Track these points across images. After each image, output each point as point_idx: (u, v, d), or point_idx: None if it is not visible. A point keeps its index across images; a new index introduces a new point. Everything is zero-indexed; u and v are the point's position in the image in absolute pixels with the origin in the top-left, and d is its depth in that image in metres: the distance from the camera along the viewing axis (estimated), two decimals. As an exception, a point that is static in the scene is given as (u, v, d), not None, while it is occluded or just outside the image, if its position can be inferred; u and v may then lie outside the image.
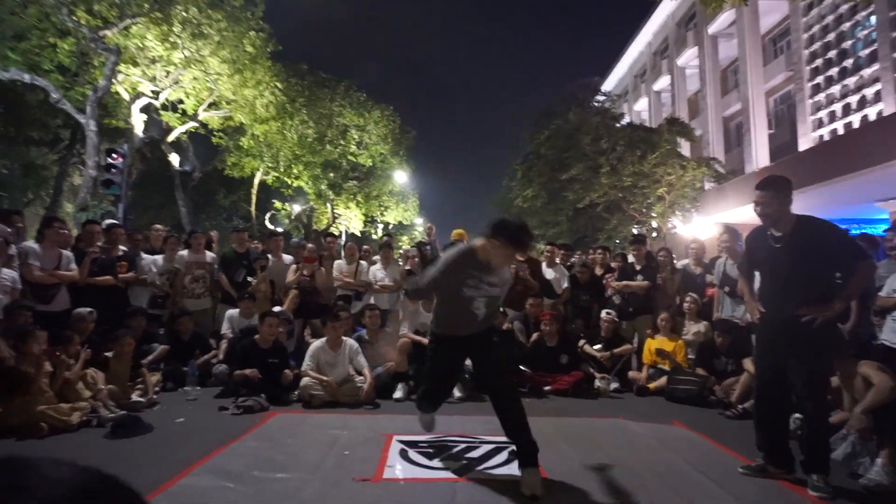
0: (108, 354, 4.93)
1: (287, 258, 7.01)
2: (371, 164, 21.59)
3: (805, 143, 16.79)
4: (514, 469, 3.35)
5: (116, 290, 5.96)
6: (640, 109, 29.92)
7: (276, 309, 5.96)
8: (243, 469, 3.27)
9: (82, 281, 5.58)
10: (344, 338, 5.45)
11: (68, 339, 4.63)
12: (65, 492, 0.40)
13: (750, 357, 5.10)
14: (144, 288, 6.33)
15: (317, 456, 3.54)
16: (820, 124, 17.02)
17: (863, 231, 6.61)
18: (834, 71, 16.43)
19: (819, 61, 16.87)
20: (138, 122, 14.04)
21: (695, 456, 3.65)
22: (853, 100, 15.86)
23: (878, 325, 4.82)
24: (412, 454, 3.62)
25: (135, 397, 4.84)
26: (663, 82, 26.32)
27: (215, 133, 17.17)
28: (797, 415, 3.61)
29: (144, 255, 6.51)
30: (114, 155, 11.31)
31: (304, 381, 5.05)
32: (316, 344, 5.36)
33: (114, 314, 5.66)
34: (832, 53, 16.44)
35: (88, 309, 5.27)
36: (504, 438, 3.83)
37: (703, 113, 21.75)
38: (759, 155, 18.35)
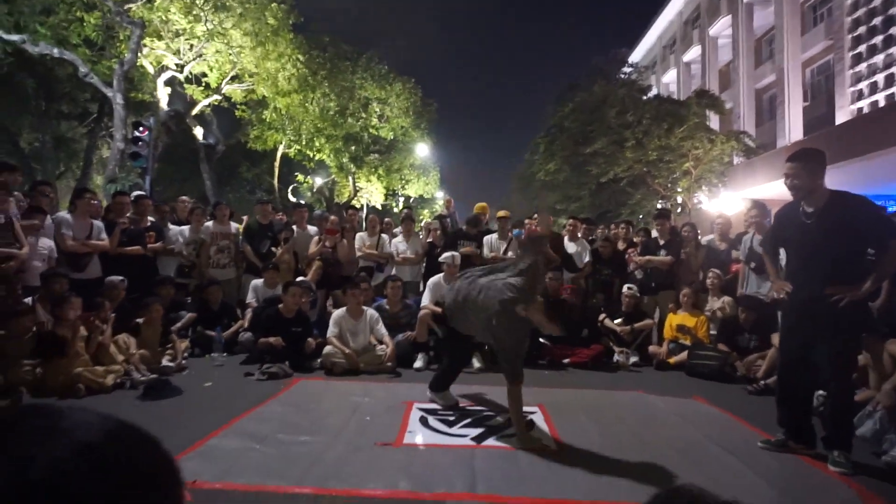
0: (139, 321, 5.10)
1: (312, 229, 7.09)
2: (392, 137, 21.49)
3: (842, 115, 16.10)
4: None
5: (145, 259, 6.13)
6: (669, 81, 28.99)
7: (299, 279, 6.07)
8: (269, 432, 3.38)
9: (113, 250, 5.75)
10: (364, 307, 5.53)
11: (101, 305, 4.80)
12: (95, 434, 0.43)
13: (777, 333, 5.02)
14: (172, 258, 6.50)
15: (339, 421, 3.64)
16: (860, 96, 16.26)
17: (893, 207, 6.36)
18: (878, 39, 15.60)
19: (862, 29, 16.02)
20: (163, 95, 14.19)
21: (715, 430, 3.65)
22: (896, 70, 15.09)
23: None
24: (432, 421, 3.70)
25: (165, 362, 5.02)
26: (693, 53, 25.38)
27: (238, 106, 17.25)
28: (821, 392, 3.56)
29: (171, 226, 6.66)
30: (140, 128, 11.46)
31: (327, 349, 5.16)
32: (338, 312, 5.46)
33: (143, 283, 5.84)
34: (877, 20, 15.58)
35: (120, 277, 5.44)
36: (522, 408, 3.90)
37: (734, 85, 20.98)
38: (793, 128, 17.70)
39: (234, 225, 6.98)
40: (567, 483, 2.70)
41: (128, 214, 6.11)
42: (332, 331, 5.29)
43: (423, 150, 23.74)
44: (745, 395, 4.68)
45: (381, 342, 5.38)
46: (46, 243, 5.16)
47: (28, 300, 4.69)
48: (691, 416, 3.96)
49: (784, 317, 3.57)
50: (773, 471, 2.93)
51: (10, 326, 4.24)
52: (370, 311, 5.54)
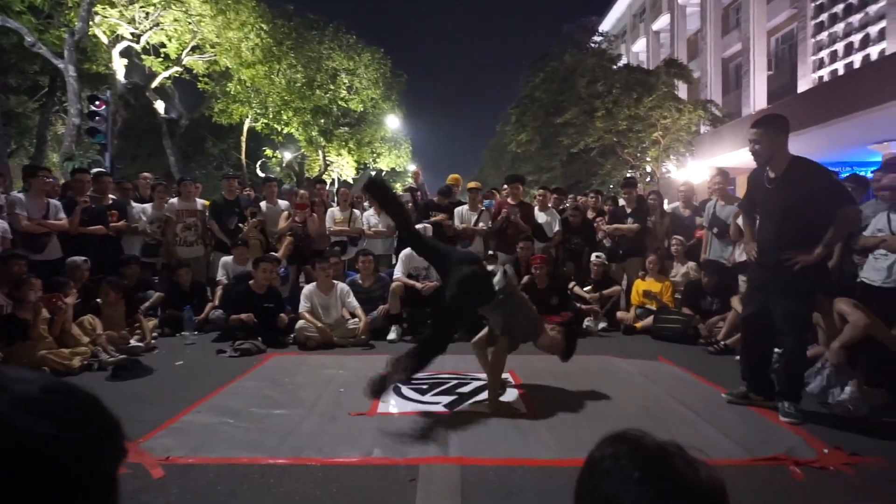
0: (99, 301, 4.99)
1: (283, 204, 6.96)
2: (362, 109, 21.09)
3: (805, 84, 16.45)
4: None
5: (109, 238, 5.95)
6: (638, 50, 29.03)
7: (269, 254, 6.00)
8: (242, 406, 3.40)
9: (73, 230, 5.56)
10: (335, 281, 5.52)
11: (63, 285, 4.67)
12: (32, 389, 0.44)
13: (737, 296, 5.23)
14: (136, 236, 6.33)
15: (313, 394, 3.68)
16: (821, 65, 16.62)
17: (853, 172, 6.61)
18: (839, 7, 15.88)
19: (824, -3, 16.27)
20: (119, 67, 13.57)
21: (677, 389, 3.82)
22: (856, 38, 15.42)
23: (859, 264, 4.92)
24: (405, 390, 3.77)
25: (133, 342, 4.95)
26: (663, 21, 25.40)
27: (200, 78, 16.62)
28: (778, 350, 3.75)
29: (134, 204, 6.47)
30: (96, 102, 10.95)
31: (300, 323, 5.16)
32: (308, 287, 5.45)
33: (107, 263, 5.69)
34: (838, -12, 15.83)
35: (83, 258, 5.29)
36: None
37: (702, 54, 21.14)
38: (758, 97, 18.01)
39: (200, 201, 6.81)
40: (536, 444, 2.81)
41: (88, 193, 5.89)
42: (303, 305, 5.29)
43: (393, 122, 23.39)
44: (707, 355, 4.89)
45: (353, 315, 5.40)
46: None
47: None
48: (656, 377, 4.13)
49: (749, 277, 3.73)
50: (729, 423, 3.09)
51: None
52: (341, 285, 5.54)
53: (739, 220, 5.51)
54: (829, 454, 2.62)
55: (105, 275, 5.38)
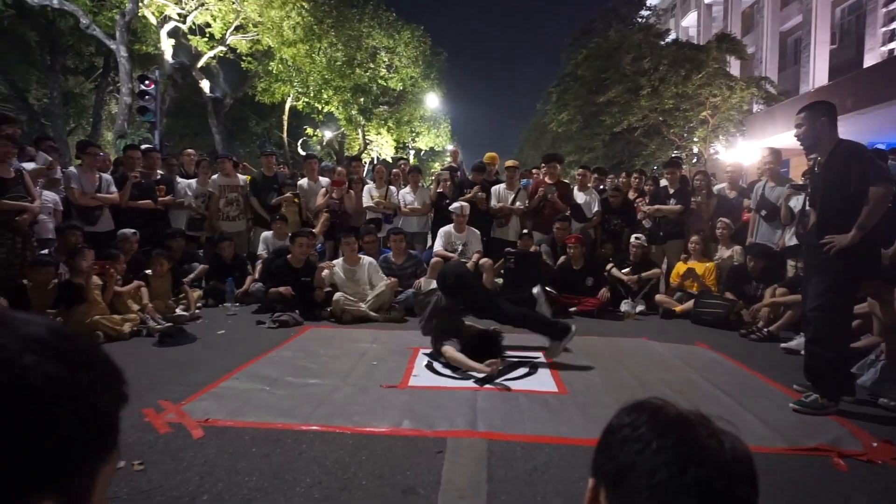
0: (148, 272, 5.22)
1: (323, 180, 7.07)
2: (401, 88, 21.01)
3: (872, 58, 15.32)
4: (531, 381, 3.51)
5: (157, 212, 6.21)
6: (689, 25, 27.66)
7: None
8: (279, 375, 3.51)
9: (124, 204, 5.82)
10: (362, 255, 5.59)
11: (115, 257, 4.92)
12: (40, 329, 0.45)
13: (773, 286, 5.01)
14: (182, 210, 6.57)
15: (347, 365, 3.76)
16: (892, 37, 15.42)
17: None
18: (915, -26, 14.63)
19: (898, -38, 15.00)
20: (167, 47, 13.96)
21: (714, 373, 3.70)
22: (933, 7, 14.22)
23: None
24: (437, 366, 3.80)
25: (179, 311, 5.17)
26: (716, -7, 24.08)
27: (244, 58, 16.93)
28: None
29: (180, 179, 6.70)
30: (146, 81, 11.34)
31: (336, 295, 5.26)
32: (335, 262, 5.54)
33: (155, 235, 5.94)
34: (915, -48, 14.56)
35: (132, 230, 5.54)
36: (524, 354, 4.00)
37: (757, 27, 19.98)
38: (818, 73, 16.92)
39: (241, 177, 6.99)
40: (564, 422, 2.79)
41: (138, 169, 6.14)
42: (324, 279, 5.41)
43: (433, 101, 23.25)
44: (748, 341, 4.72)
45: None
46: (51, 196, 5.24)
47: (45, 252, 4.82)
48: (692, 361, 4.02)
49: (804, 263, 3.60)
50: (768, 410, 2.98)
51: (34, 277, 4.38)
52: (368, 260, 5.62)
53: (791, 203, 5.25)
54: (877, 448, 2.49)
55: (153, 247, 5.63)
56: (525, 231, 6.41)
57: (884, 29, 15.54)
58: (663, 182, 6.82)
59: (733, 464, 0.61)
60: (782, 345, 4.45)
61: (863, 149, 3.11)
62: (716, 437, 0.63)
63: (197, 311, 5.39)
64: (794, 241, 5.25)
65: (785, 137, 13.52)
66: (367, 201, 6.87)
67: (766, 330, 4.75)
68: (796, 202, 5.18)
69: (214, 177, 6.74)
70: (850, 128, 11.49)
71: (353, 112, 19.81)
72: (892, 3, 15.32)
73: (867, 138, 11.00)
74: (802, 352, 4.13)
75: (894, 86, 10.91)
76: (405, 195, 6.91)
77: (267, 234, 6.47)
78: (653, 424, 0.64)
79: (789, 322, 4.69)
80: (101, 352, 0.51)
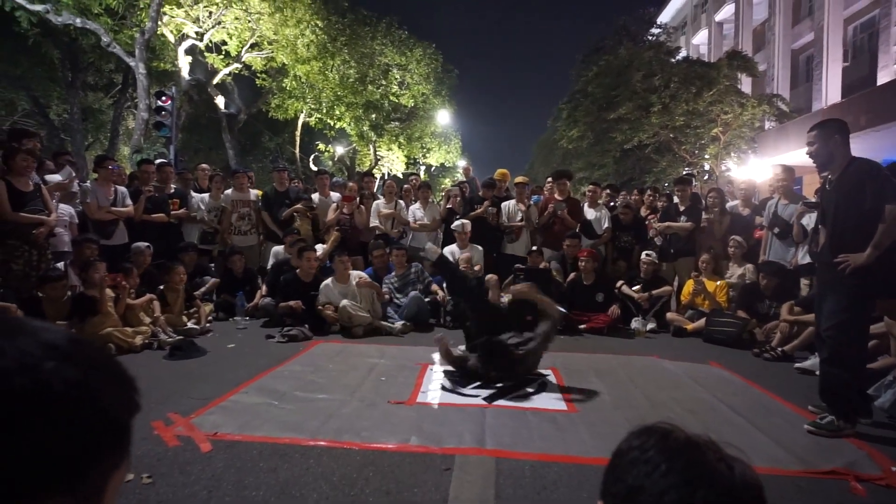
0: (161, 287, 5.27)
1: (334, 196, 7.13)
2: (413, 104, 21.23)
3: (885, 76, 15.23)
4: (540, 399, 3.48)
5: (170, 226, 6.30)
6: (699, 42, 27.75)
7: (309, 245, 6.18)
8: (287, 389, 3.52)
9: (138, 217, 5.91)
10: (352, 271, 5.62)
11: (128, 270, 4.98)
12: (58, 336, 0.47)
13: (788, 303, 4.94)
14: (195, 224, 6.66)
15: (355, 380, 3.75)
16: (904, 55, 15.35)
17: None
18: (927, -8, 14.60)
19: (911, -19, 14.98)
20: (184, 64, 14.27)
21: (726, 393, 3.65)
22: (947, 25, 14.15)
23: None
24: (445, 382, 3.78)
25: (190, 325, 5.21)
26: (726, 12, 24.14)
27: (258, 75, 17.25)
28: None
29: (194, 194, 6.80)
30: (163, 97, 11.58)
31: (343, 303, 5.28)
32: (325, 282, 5.56)
33: (168, 249, 6.02)
34: (928, -29, 14.54)
35: (146, 243, 5.62)
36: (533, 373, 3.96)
37: (769, 45, 19.99)
38: (830, 90, 16.85)
39: (253, 192, 7.08)
40: (573, 441, 2.76)
41: (152, 182, 6.25)
42: (320, 300, 5.43)
43: (444, 117, 23.44)
44: (761, 360, 4.64)
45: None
46: (67, 209, 5.34)
47: (60, 265, 4.90)
48: (704, 380, 3.96)
49: (817, 282, 3.55)
50: (782, 431, 2.92)
51: (48, 290, 4.45)
52: (355, 273, 5.67)
53: (804, 220, 5.20)
54: None
55: (166, 260, 5.70)
56: (535, 248, 6.41)
57: (897, 47, 15.48)
58: (675, 199, 6.79)
59: (742, 489, 0.60)
60: (796, 364, 4.38)
61: (877, 166, 3.08)
62: (725, 462, 0.62)
63: (208, 324, 5.43)
64: (807, 259, 5.19)
65: (797, 155, 13.44)
66: (373, 218, 6.92)
67: (780, 349, 4.67)
68: (809, 220, 5.14)
69: (228, 191, 6.84)
70: (864, 145, 11.39)
71: (365, 128, 20.03)
72: (904, 21, 15.27)
73: (882, 156, 10.90)
74: (817, 372, 4.06)
75: (908, 103, 10.82)
76: (415, 211, 6.95)
77: (278, 248, 6.52)
78: (662, 448, 0.64)
79: (805, 342, 4.61)
80: (115, 360, 0.52)
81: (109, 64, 17.26)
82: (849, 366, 2.99)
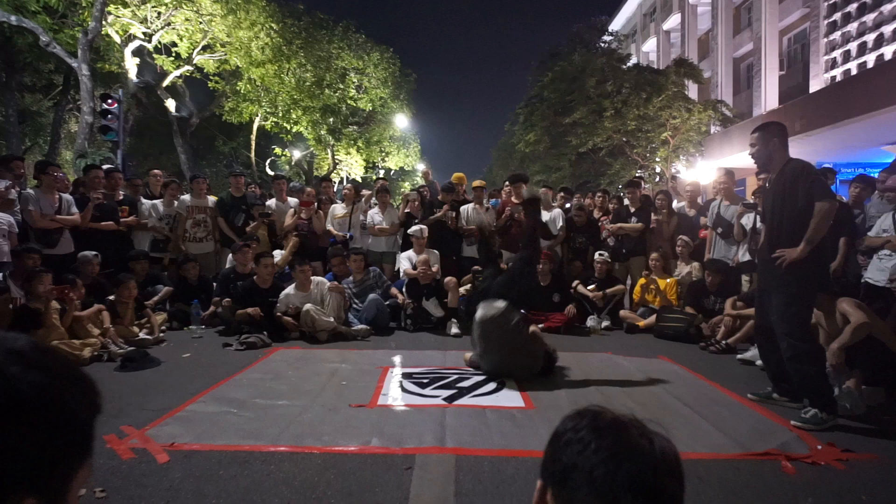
0: (111, 298, 5.09)
1: (292, 201, 7.05)
2: (371, 108, 21.18)
3: (816, 84, 16.27)
4: (499, 398, 3.57)
5: (119, 234, 6.08)
6: (649, 50, 28.86)
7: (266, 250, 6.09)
8: (246, 397, 3.47)
9: (85, 225, 5.68)
10: (314, 278, 5.61)
11: (74, 281, 4.78)
12: (21, 344, 0.50)
13: (731, 298, 5.24)
14: (146, 232, 6.45)
15: (316, 386, 3.74)
16: (833, 65, 16.44)
17: (861, 173, 6.57)
18: (852, 7, 15.70)
19: (838, -4, 16.08)
20: (131, 65, 13.77)
21: (675, 385, 3.84)
22: (870, 38, 15.24)
23: (863, 265, 4.91)
24: (406, 384, 3.82)
25: (142, 335, 5.05)
26: (673, 21, 25.23)
27: (211, 77, 16.82)
28: None
29: (144, 200, 6.58)
30: (108, 100, 11.12)
31: (307, 306, 5.23)
32: (285, 291, 5.52)
33: (117, 257, 5.81)
34: (852, -13, 15.64)
35: (93, 252, 5.40)
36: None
37: (713, 53, 20.98)
38: (769, 97, 17.85)
39: (210, 198, 6.91)
40: (531, 436, 2.85)
41: (100, 189, 6.02)
42: (278, 308, 5.39)
43: (402, 121, 23.47)
44: (708, 354, 4.90)
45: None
46: (5, 218, 5.07)
47: (-1, 276, 4.66)
48: (655, 374, 4.15)
49: (757, 280, 3.77)
50: (723, 419, 3.11)
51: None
52: (317, 279, 5.65)
53: (743, 220, 5.52)
54: (821, 450, 2.64)
55: (114, 269, 5.49)
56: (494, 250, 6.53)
57: (826, 57, 16.58)
58: (626, 201, 7.07)
59: (661, 460, 0.68)
60: (738, 356, 4.65)
61: (810, 167, 3.28)
62: (647, 437, 0.70)
63: (161, 334, 5.27)
64: (747, 257, 5.52)
65: (740, 158, 14.15)
66: (329, 222, 6.89)
67: (724, 342, 4.95)
68: (748, 220, 5.47)
69: (184, 197, 6.66)
70: (799, 149, 12.11)
71: (323, 132, 19.83)
72: (832, 34, 16.38)
73: (815, 159, 11.64)
74: (757, 362, 4.34)
75: (838, 110, 11.61)
76: (374, 215, 6.96)
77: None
78: (592, 428, 0.71)
79: (746, 335, 4.90)
80: (75, 365, 0.55)
81: (49, 64, 16.44)
82: (814, 358, 3.14)
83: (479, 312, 3.99)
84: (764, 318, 3.46)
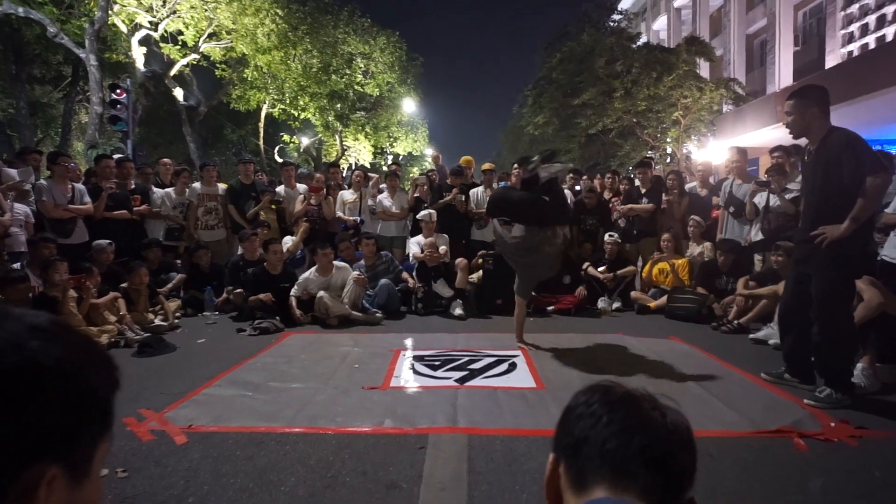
0: (125, 285, 5.16)
1: (301, 187, 7.07)
2: (378, 93, 21.04)
3: (833, 59, 15.89)
4: (511, 378, 3.59)
5: (133, 223, 6.15)
6: (659, 28, 28.30)
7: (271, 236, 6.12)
8: (261, 381, 3.53)
9: (98, 215, 5.75)
10: (336, 262, 5.63)
11: (89, 269, 4.86)
12: (42, 320, 0.52)
13: (743, 278, 5.19)
14: (159, 220, 6.51)
15: (329, 369, 3.79)
16: (850, 39, 16.01)
17: (881, 148, 6.44)
18: (871, -23, 15.24)
19: (855, -33, 15.61)
20: (139, 55, 13.77)
21: (687, 365, 3.83)
22: (889, 10, 14.82)
23: (880, 242, 4.83)
24: (418, 366, 3.86)
25: (157, 321, 5.13)
26: (685, -3, 24.70)
27: (218, 65, 16.79)
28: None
29: (156, 189, 6.64)
30: (117, 90, 11.17)
31: (320, 294, 5.28)
32: (305, 274, 5.56)
33: (131, 246, 5.88)
34: (870, -42, 15.17)
35: (107, 241, 5.48)
36: (504, 352, 4.08)
37: (725, 31, 20.56)
38: (783, 74, 17.49)
39: (221, 186, 6.95)
40: (542, 415, 2.87)
41: (112, 179, 6.07)
42: (295, 290, 5.42)
43: (410, 106, 23.32)
44: (719, 333, 4.88)
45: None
46: (22, 208, 5.16)
47: (16, 266, 4.74)
48: (666, 354, 4.15)
49: (793, 254, 3.61)
50: (736, 397, 3.11)
51: (9, 292, 4.30)
52: (342, 265, 5.68)
53: (756, 199, 5.45)
54: (834, 427, 2.63)
55: (129, 258, 5.56)
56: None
57: (842, 31, 16.15)
58: (636, 182, 7.00)
59: (673, 433, 0.69)
60: (751, 335, 4.62)
61: (855, 138, 3.00)
62: (659, 411, 0.71)
63: (176, 320, 5.35)
64: (759, 237, 5.45)
65: (754, 136, 13.94)
66: (339, 206, 6.91)
67: (736, 322, 4.92)
68: (760, 199, 5.40)
69: (195, 185, 6.70)
70: (813, 126, 11.87)
71: (330, 118, 19.77)
72: (850, 7, 15.93)
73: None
74: (770, 342, 4.31)
75: (855, 86, 11.35)
76: (383, 200, 6.96)
77: (246, 242, 6.44)
78: (604, 402, 0.72)
79: (759, 314, 4.87)
80: (94, 341, 0.57)
81: (57, 55, 16.52)
82: (847, 346, 3.06)
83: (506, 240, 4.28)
84: (793, 297, 3.32)
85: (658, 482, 0.65)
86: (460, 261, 5.96)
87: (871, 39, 15.31)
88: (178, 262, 6.59)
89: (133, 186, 6.28)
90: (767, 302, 4.78)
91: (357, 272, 5.57)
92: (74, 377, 0.51)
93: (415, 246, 6.21)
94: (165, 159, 7.67)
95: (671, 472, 0.66)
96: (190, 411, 2.97)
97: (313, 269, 5.58)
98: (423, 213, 6.32)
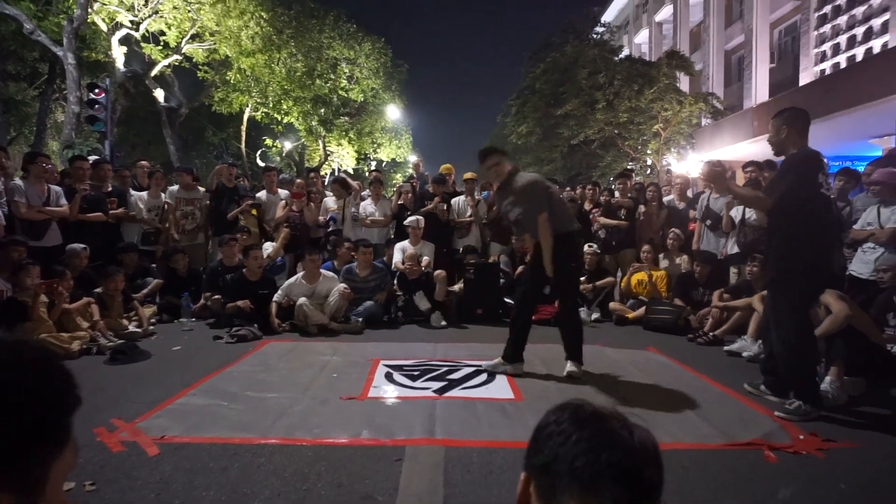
0: (98, 290, 5.05)
1: (282, 193, 7.01)
2: (362, 99, 21.00)
3: (806, 77, 16.35)
4: (489, 389, 3.60)
5: (108, 226, 6.02)
6: (641, 42, 28.87)
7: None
8: (237, 389, 3.48)
9: (73, 217, 5.62)
10: (323, 271, 5.59)
11: (62, 273, 4.74)
12: (10, 342, 0.50)
13: (719, 290, 5.30)
14: (135, 224, 6.39)
15: (307, 378, 3.76)
16: (823, 58, 16.52)
17: (845, 166, 6.63)
18: (842, -1, 15.77)
19: (828, -11, 16.14)
20: (119, 55, 13.54)
21: (664, 377, 3.89)
22: (859, 31, 15.33)
23: (848, 258, 4.98)
24: (397, 376, 3.85)
25: (131, 328, 5.03)
26: (666, 13, 25.22)
27: (200, 67, 16.59)
28: None
29: (133, 192, 6.52)
30: (96, 90, 10.96)
31: (301, 300, 5.22)
32: (291, 279, 5.51)
33: (106, 250, 5.76)
34: (842, -20, 15.70)
35: (82, 245, 5.36)
36: (483, 362, 4.09)
37: (704, 45, 21.03)
38: (759, 90, 17.93)
39: (200, 189, 6.85)
40: (519, 427, 2.88)
41: (87, 181, 5.94)
42: (278, 295, 5.38)
43: (394, 112, 23.32)
44: (695, 345, 4.96)
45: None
46: None
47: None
48: (643, 365, 4.21)
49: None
50: (709, 410, 3.16)
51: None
52: (329, 275, 5.63)
53: (732, 212, 5.58)
54: (803, 440, 2.70)
55: (104, 262, 5.45)
56: (487, 241, 6.56)
57: (816, 50, 16.65)
58: (616, 193, 7.10)
59: (640, 450, 0.70)
60: (725, 348, 4.71)
61: (803, 158, 3.11)
62: (627, 429, 0.72)
63: (151, 327, 5.25)
64: (735, 250, 5.57)
65: (731, 150, 14.25)
66: (322, 213, 6.88)
67: (711, 334, 5.01)
68: (736, 212, 5.52)
69: (172, 188, 6.60)
70: (787, 141, 12.21)
71: (314, 123, 19.66)
72: (822, 27, 16.45)
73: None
74: (744, 354, 4.41)
75: (827, 103, 11.70)
76: (366, 206, 6.94)
77: (225, 246, 6.35)
78: (573, 420, 0.73)
79: (734, 326, 4.96)
80: (50, 359, 0.56)
81: (34, 52, 16.14)
82: (806, 355, 3.16)
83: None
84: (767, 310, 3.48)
85: (626, 497, 0.66)
86: (439, 273, 5.95)
87: (842, 58, 15.81)
88: (154, 266, 6.48)
89: (110, 189, 6.16)
90: (741, 314, 4.88)
91: (343, 286, 5.48)
92: (25, 397, 0.49)
93: (399, 253, 6.18)
94: (143, 161, 7.55)
95: (639, 487, 0.68)
96: (163, 421, 2.92)
97: (300, 274, 5.53)
98: (410, 218, 6.29)
